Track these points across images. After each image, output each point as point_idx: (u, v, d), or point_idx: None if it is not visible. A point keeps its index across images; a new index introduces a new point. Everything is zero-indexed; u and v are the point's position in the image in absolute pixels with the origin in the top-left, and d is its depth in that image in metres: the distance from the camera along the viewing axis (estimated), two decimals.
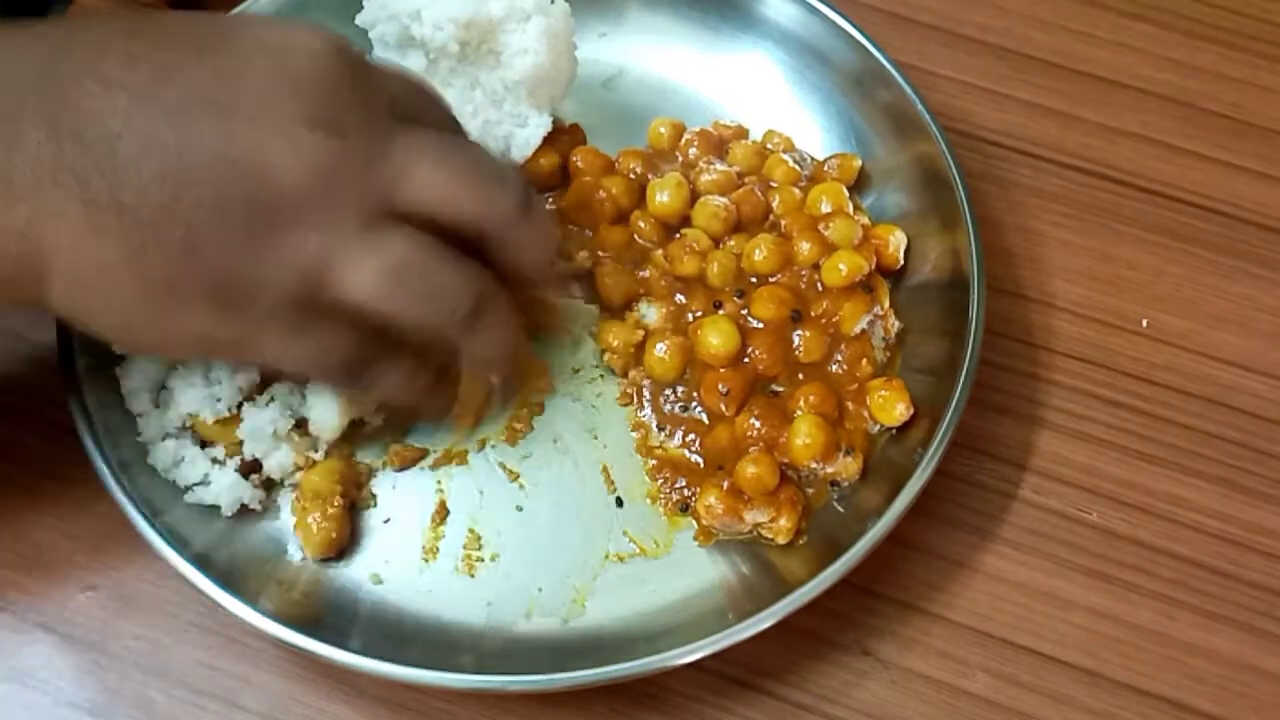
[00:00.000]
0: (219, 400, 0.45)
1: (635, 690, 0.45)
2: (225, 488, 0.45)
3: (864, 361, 0.48)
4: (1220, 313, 0.54)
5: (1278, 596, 0.48)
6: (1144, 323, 0.54)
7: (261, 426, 0.45)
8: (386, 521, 0.47)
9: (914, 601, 0.47)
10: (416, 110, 0.42)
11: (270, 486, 0.47)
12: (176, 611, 0.46)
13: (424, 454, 0.48)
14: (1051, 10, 0.63)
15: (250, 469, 0.46)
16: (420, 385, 0.44)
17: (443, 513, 0.47)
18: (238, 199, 0.37)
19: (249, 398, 0.46)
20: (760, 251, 0.50)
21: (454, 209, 0.40)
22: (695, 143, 0.54)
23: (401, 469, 0.48)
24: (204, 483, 0.45)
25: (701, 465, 0.48)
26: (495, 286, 0.42)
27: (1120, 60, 0.61)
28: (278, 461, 0.46)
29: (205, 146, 0.36)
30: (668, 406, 0.49)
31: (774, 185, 0.53)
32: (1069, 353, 0.53)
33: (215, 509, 0.45)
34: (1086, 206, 0.57)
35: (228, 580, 0.42)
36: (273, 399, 0.46)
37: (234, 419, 0.45)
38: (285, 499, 0.47)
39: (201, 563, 0.42)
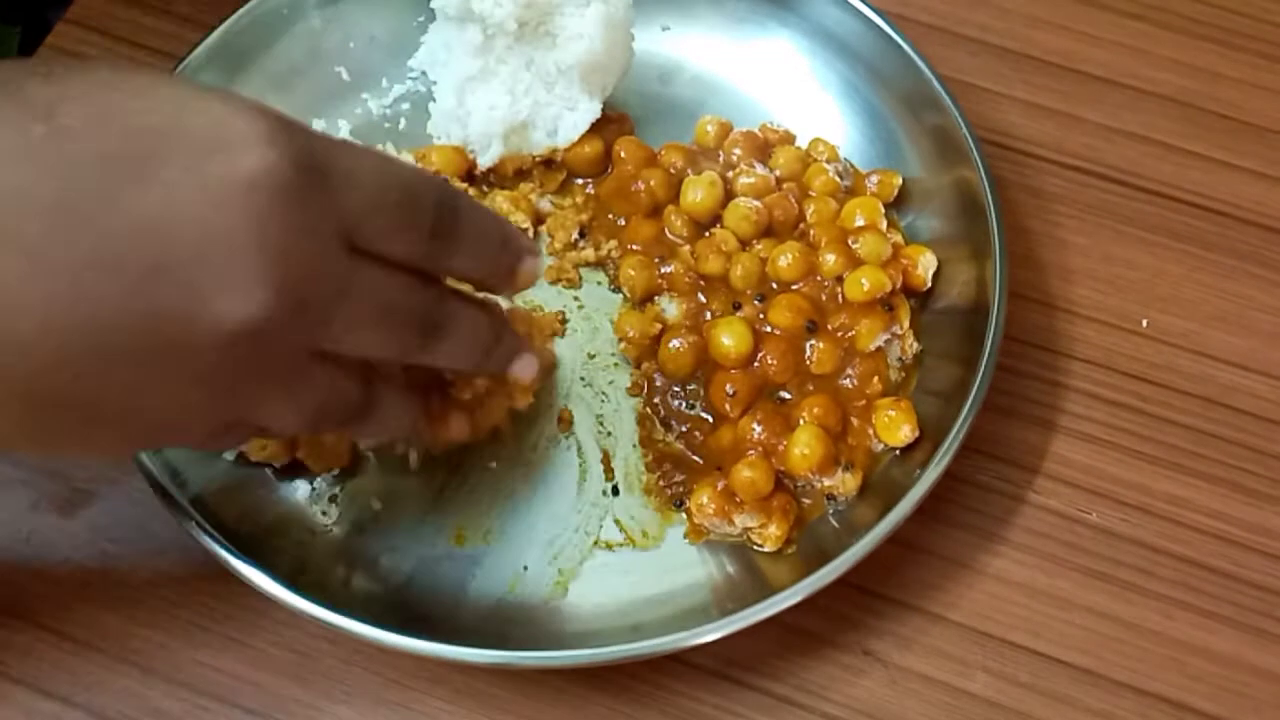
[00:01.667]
0: None
1: (633, 689, 0.45)
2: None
3: (875, 379, 0.48)
4: (1220, 313, 0.54)
5: (1278, 596, 0.48)
6: (1144, 323, 0.54)
7: None
8: (377, 489, 0.47)
9: (914, 601, 0.47)
10: (381, 225, 0.35)
11: None
12: (176, 611, 0.46)
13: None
14: (1051, 10, 0.63)
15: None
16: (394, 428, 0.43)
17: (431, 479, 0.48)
18: (158, 351, 0.32)
19: None
20: (786, 258, 0.50)
21: (382, 357, 0.37)
22: (740, 144, 0.54)
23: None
24: None
25: (700, 463, 0.48)
26: (405, 395, 0.41)
27: (1120, 60, 0.61)
28: None
29: (122, 295, 0.31)
30: (675, 402, 0.49)
31: (811, 194, 0.53)
32: (1068, 353, 0.53)
33: (221, 466, 0.46)
34: (1086, 206, 0.57)
35: (217, 524, 0.43)
36: None
37: None
38: None
39: (195, 505, 0.43)
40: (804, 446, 0.46)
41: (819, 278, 0.50)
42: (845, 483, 0.47)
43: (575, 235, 0.53)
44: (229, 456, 0.46)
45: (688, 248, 0.52)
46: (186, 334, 0.31)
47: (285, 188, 0.32)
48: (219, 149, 0.31)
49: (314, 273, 0.33)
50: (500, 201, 0.53)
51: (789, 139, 0.55)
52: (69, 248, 0.30)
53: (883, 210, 0.52)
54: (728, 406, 0.48)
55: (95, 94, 0.32)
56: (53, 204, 0.30)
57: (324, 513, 0.47)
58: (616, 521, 0.47)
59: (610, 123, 0.55)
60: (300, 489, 0.47)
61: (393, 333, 0.37)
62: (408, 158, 0.54)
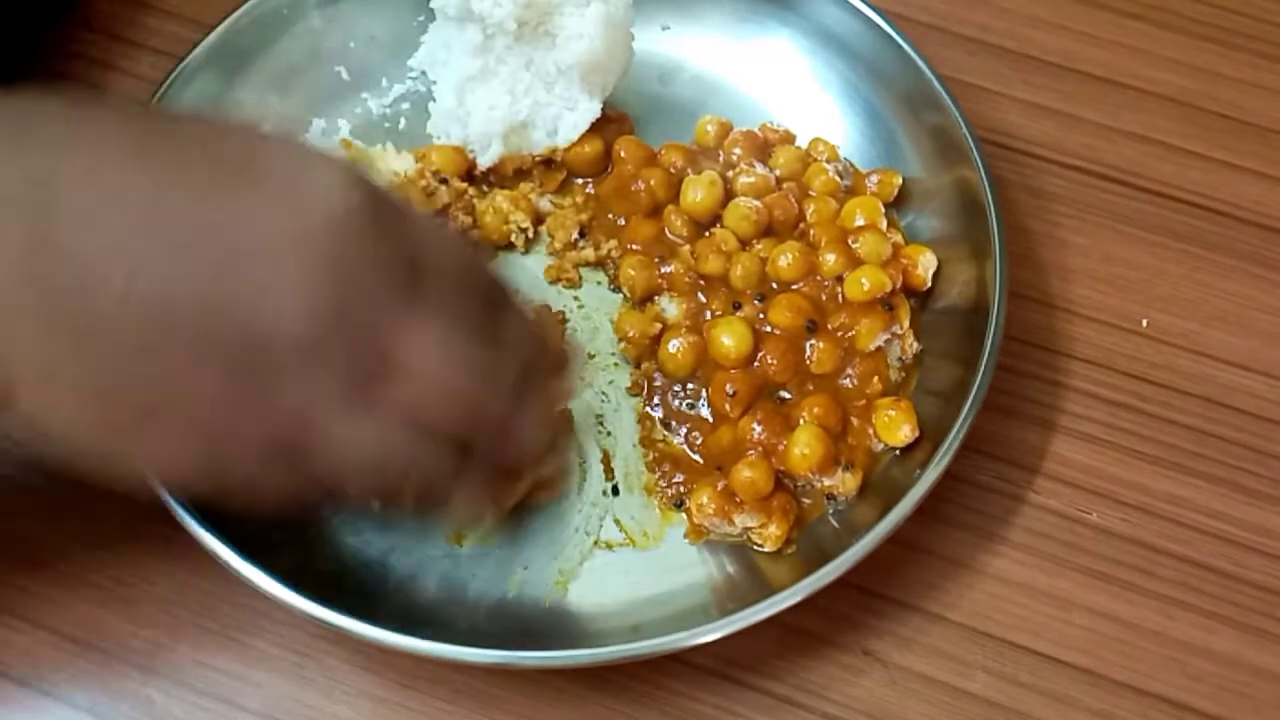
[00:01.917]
0: None
1: (633, 689, 0.45)
2: None
3: (875, 379, 0.48)
4: (1220, 313, 0.54)
5: (1278, 596, 0.48)
6: (1144, 322, 0.54)
7: None
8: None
9: (914, 601, 0.47)
10: (442, 273, 0.37)
11: None
12: (176, 611, 0.46)
13: None
14: (1051, 10, 0.63)
15: None
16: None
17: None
18: (223, 342, 0.33)
19: None
20: (786, 258, 0.50)
21: (442, 413, 0.37)
22: (740, 143, 0.54)
23: None
24: None
25: (700, 463, 0.48)
26: (471, 479, 0.39)
27: (1120, 60, 0.61)
28: None
29: (197, 281, 0.33)
30: (675, 401, 0.49)
31: (811, 194, 0.53)
32: (1068, 353, 0.53)
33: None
34: (1086, 206, 0.57)
35: (216, 523, 0.42)
36: None
37: None
38: None
39: (195, 505, 0.42)
40: (804, 446, 0.46)
41: (819, 278, 0.50)
42: (845, 483, 0.47)
43: (575, 235, 0.53)
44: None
45: (688, 247, 0.52)
46: (250, 328, 0.33)
47: (364, 223, 0.34)
48: (303, 176, 0.35)
49: (378, 298, 0.35)
50: (500, 201, 0.53)
51: (789, 139, 0.55)
52: (154, 235, 0.33)
53: (883, 210, 0.52)
54: (728, 406, 0.48)
55: (188, 122, 0.36)
56: (147, 198, 0.33)
57: (324, 513, 0.47)
58: (616, 521, 0.47)
59: (610, 122, 0.55)
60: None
61: (465, 383, 0.37)
62: (407, 157, 0.54)
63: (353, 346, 0.34)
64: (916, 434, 0.47)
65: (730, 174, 0.53)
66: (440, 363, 0.36)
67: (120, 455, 0.36)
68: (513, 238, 0.53)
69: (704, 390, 0.49)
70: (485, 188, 0.54)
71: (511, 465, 0.41)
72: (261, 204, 0.34)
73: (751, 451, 0.47)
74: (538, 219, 0.54)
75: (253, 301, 0.33)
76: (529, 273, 0.53)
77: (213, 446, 0.35)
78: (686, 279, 0.51)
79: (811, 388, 0.48)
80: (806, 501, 0.47)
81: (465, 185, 0.53)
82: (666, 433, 0.49)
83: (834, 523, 0.47)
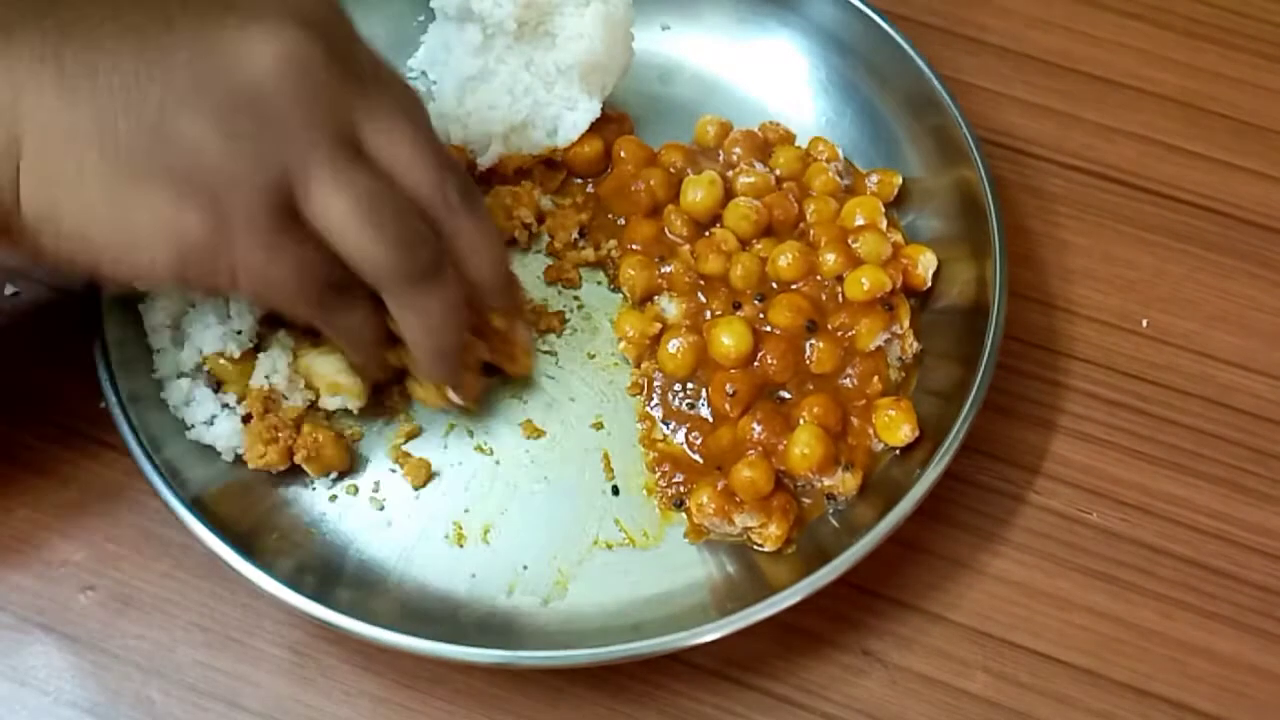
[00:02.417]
0: (239, 332, 0.47)
1: (633, 689, 0.45)
2: (226, 433, 0.46)
3: (875, 379, 0.48)
4: (1220, 313, 0.54)
5: (1278, 596, 0.48)
6: (1144, 323, 0.54)
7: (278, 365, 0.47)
8: (376, 488, 0.48)
9: (914, 601, 0.47)
10: (396, 88, 0.42)
11: None
12: (176, 611, 0.46)
13: (419, 431, 0.49)
14: (1051, 10, 0.63)
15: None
16: (373, 334, 0.44)
17: (430, 479, 0.48)
18: (216, 86, 0.36)
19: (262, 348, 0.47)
20: (785, 258, 0.50)
21: (412, 173, 0.40)
22: (740, 143, 0.54)
23: (407, 440, 0.49)
24: (209, 423, 0.46)
25: (700, 463, 0.48)
26: (449, 264, 0.42)
27: (1120, 60, 0.61)
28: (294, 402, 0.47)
29: (190, 30, 0.36)
30: (675, 401, 0.49)
31: (811, 194, 0.53)
32: (1068, 353, 0.53)
33: (220, 463, 0.46)
34: (1086, 206, 0.57)
35: (216, 522, 0.43)
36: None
37: (249, 360, 0.47)
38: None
39: (195, 505, 0.43)
40: (804, 446, 0.46)
41: (819, 277, 0.50)
42: (845, 482, 0.47)
43: (575, 235, 0.53)
44: (226, 457, 0.46)
45: (688, 247, 0.52)
46: (243, 54, 0.36)
47: (336, 19, 0.39)
48: None
49: (352, 55, 0.39)
50: (504, 197, 0.53)
51: (789, 138, 0.55)
52: (154, 12, 0.37)
53: (883, 210, 0.52)
54: (728, 406, 0.48)
55: None
56: None
57: (324, 513, 0.47)
58: (616, 521, 0.47)
59: (610, 122, 0.55)
60: (300, 489, 0.47)
61: (428, 155, 0.40)
62: None
63: (332, 85, 0.38)
64: (916, 434, 0.47)
65: (730, 174, 0.53)
66: (409, 127, 0.40)
67: (124, 228, 0.37)
68: (515, 234, 0.53)
69: (704, 390, 0.49)
70: (485, 187, 0.54)
71: (481, 285, 0.44)
72: None
73: (751, 451, 0.47)
74: (540, 216, 0.54)
75: (239, 50, 0.36)
76: (529, 272, 0.53)
77: (216, 209, 0.37)
78: (686, 279, 0.51)
79: (811, 388, 0.48)
80: (806, 501, 0.47)
81: None
82: (666, 433, 0.49)
83: (834, 523, 0.47)
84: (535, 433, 0.49)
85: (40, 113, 0.36)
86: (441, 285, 0.41)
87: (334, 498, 0.47)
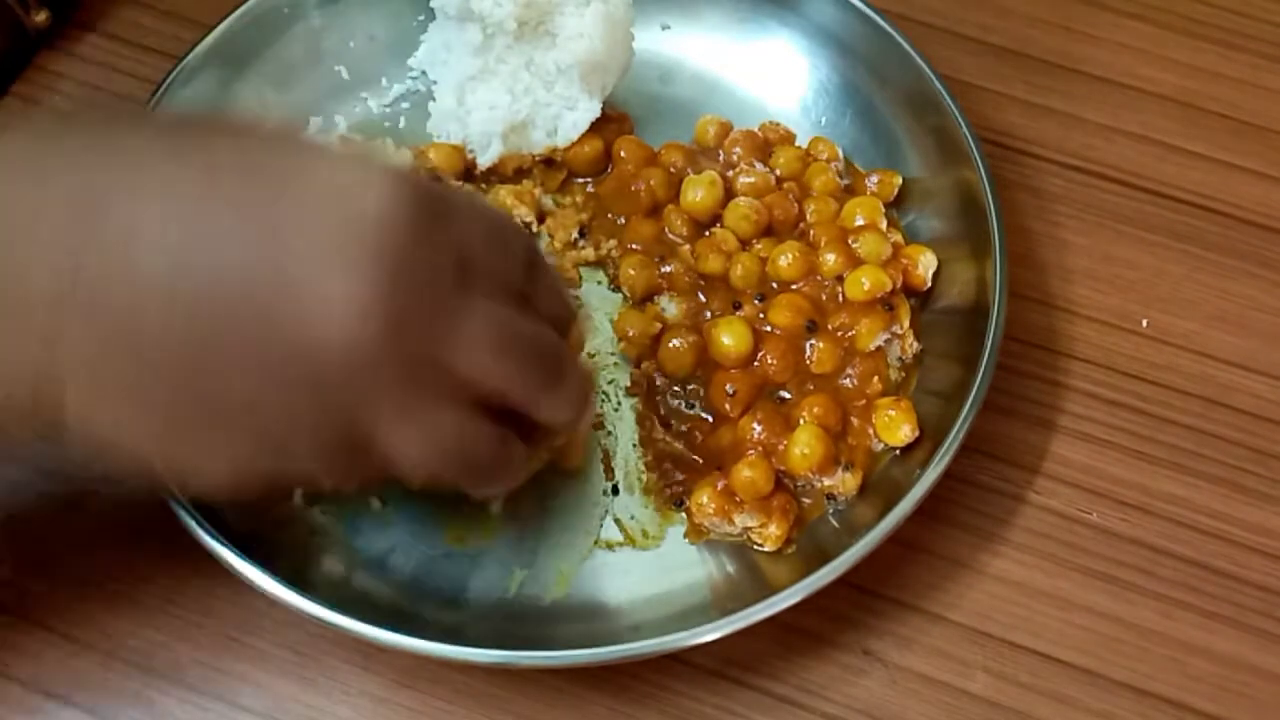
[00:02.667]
0: None
1: (633, 689, 0.45)
2: None
3: (875, 379, 0.48)
4: (1220, 313, 0.54)
5: (1278, 596, 0.48)
6: (1144, 323, 0.54)
7: None
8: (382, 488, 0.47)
9: (914, 601, 0.47)
10: (490, 265, 0.37)
11: None
12: (177, 612, 0.46)
13: None
14: (1051, 10, 0.63)
15: None
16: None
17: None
18: (275, 345, 0.33)
19: None
20: (786, 258, 0.50)
21: (503, 394, 0.37)
22: (740, 143, 0.54)
23: None
24: None
25: (700, 463, 0.48)
26: (520, 450, 0.40)
27: (1120, 60, 0.61)
28: None
29: (246, 282, 0.33)
30: (675, 401, 0.49)
31: (811, 193, 0.53)
32: (1068, 353, 0.53)
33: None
34: (1086, 206, 0.57)
35: (216, 522, 0.42)
36: None
37: None
38: None
39: (195, 505, 0.42)
40: (804, 446, 0.46)
41: (819, 277, 0.50)
42: (845, 482, 0.47)
43: (575, 235, 0.53)
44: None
45: (688, 247, 0.52)
46: (300, 336, 0.33)
47: (409, 216, 0.34)
48: (348, 179, 0.34)
49: (430, 296, 0.34)
50: (504, 196, 0.53)
51: (789, 138, 0.55)
52: (199, 239, 0.33)
53: (883, 210, 0.52)
54: (728, 406, 0.48)
55: (220, 126, 0.37)
56: (189, 205, 0.33)
57: (324, 512, 0.47)
58: (616, 521, 0.47)
59: (610, 122, 0.55)
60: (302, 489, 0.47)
61: (519, 364, 0.37)
62: (407, 156, 0.54)
63: (405, 352, 0.34)
64: (916, 434, 0.47)
65: (730, 174, 0.53)
66: (493, 351, 0.36)
67: (170, 464, 0.36)
68: None
69: (704, 390, 0.49)
70: (484, 186, 0.54)
71: (549, 431, 0.42)
72: (305, 207, 0.34)
73: (751, 451, 0.47)
74: (541, 215, 0.54)
75: (301, 309, 0.33)
76: None
77: (266, 454, 0.35)
78: (686, 279, 0.51)
79: (811, 388, 0.48)
80: (806, 501, 0.47)
81: (461, 183, 0.53)
82: (666, 433, 0.49)
83: (834, 523, 0.47)
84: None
85: (81, 368, 0.33)
86: (512, 473, 0.40)
87: (335, 498, 0.47)
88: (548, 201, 0.54)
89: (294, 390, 0.34)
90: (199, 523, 0.42)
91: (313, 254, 0.33)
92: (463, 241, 0.36)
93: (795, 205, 0.52)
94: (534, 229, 0.53)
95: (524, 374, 0.37)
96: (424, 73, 0.57)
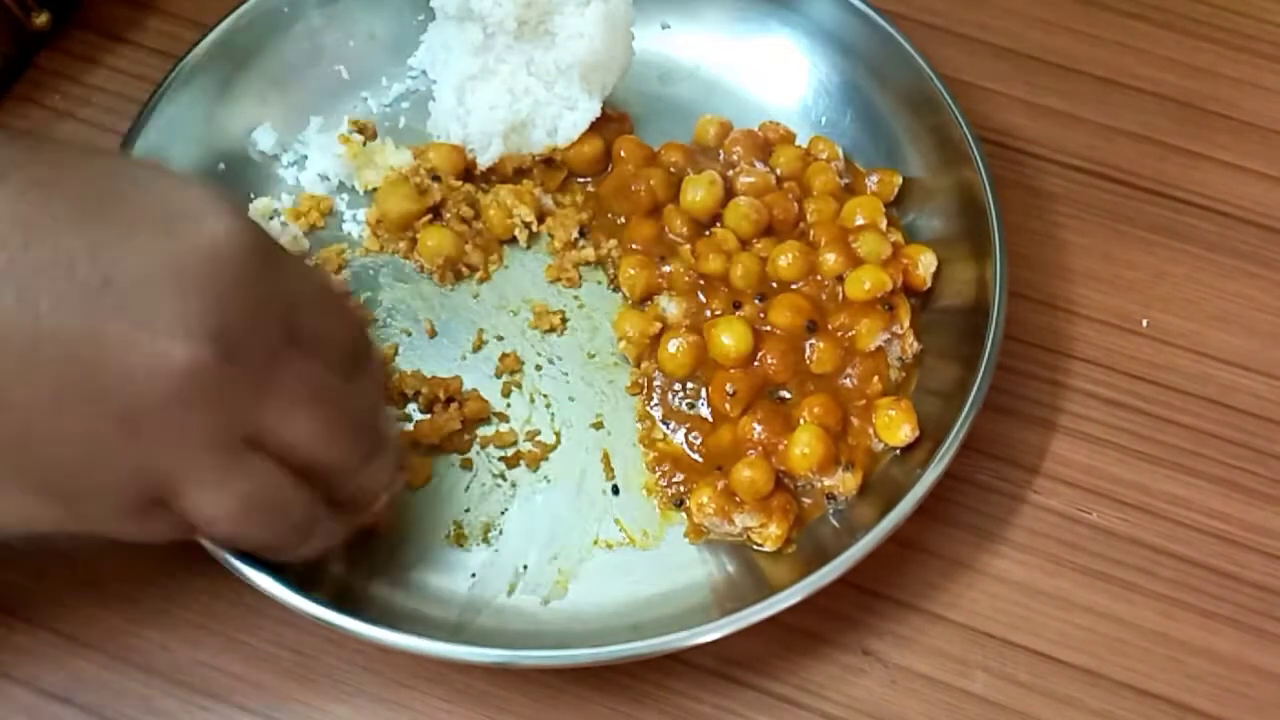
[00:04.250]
0: None
1: (633, 689, 0.45)
2: None
3: (876, 378, 0.48)
4: (1220, 313, 0.54)
5: (1278, 596, 0.48)
6: (1144, 322, 0.54)
7: None
8: None
9: (914, 601, 0.47)
10: (318, 328, 0.36)
11: None
12: (177, 612, 0.46)
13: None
14: (1051, 10, 0.63)
15: None
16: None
17: (430, 479, 0.48)
18: (88, 399, 0.32)
19: None
20: (786, 258, 0.50)
21: (313, 456, 0.36)
22: (740, 142, 0.54)
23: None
24: None
25: (700, 463, 0.48)
26: (327, 520, 0.39)
27: (1120, 60, 0.61)
28: None
29: (63, 331, 0.31)
30: (675, 401, 0.49)
31: (812, 193, 0.53)
32: (1068, 352, 0.53)
33: None
34: (1086, 206, 0.57)
35: None
36: None
37: None
38: None
39: None
40: (804, 446, 0.46)
41: (819, 277, 0.50)
42: (845, 482, 0.47)
43: (575, 234, 0.53)
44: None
45: (688, 247, 0.52)
46: (121, 359, 0.31)
47: (244, 251, 0.33)
48: (185, 205, 0.33)
49: (257, 339, 0.33)
50: (504, 195, 0.53)
51: (789, 138, 0.55)
52: (19, 259, 0.31)
53: (883, 209, 0.52)
54: (728, 406, 0.48)
55: (55, 147, 0.35)
56: (11, 223, 0.31)
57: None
58: (616, 521, 0.47)
59: (610, 122, 0.55)
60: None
61: (335, 430, 0.36)
62: (406, 155, 0.54)
63: (225, 392, 0.33)
64: (916, 434, 0.47)
65: (730, 173, 0.53)
66: (310, 412, 0.35)
67: None
68: (516, 232, 0.53)
69: (704, 390, 0.49)
70: (484, 185, 0.54)
71: (358, 500, 0.40)
72: (138, 231, 0.32)
73: (751, 451, 0.47)
74: (541, 214, 0.54)
75: (115, 359, 0.31)
76: (529, 271, 0.53)
77: (72, 504, 0.34)
78: (686, 279, 0.51)
79: (811, 387, 0.48)
80: (806, 501, 0.47)
81: (460, 183, 0.53)
82: (666, 433, 0.49)
83: (834, 523, 0.47)
84: (535, 432, 0.49)
85: None
86: (323, 534, 0.39)
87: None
88: (548, 201, 0.54)
89: (103, 426, 0.32)
90: None
91: (141, 283, 0.31)
92: (294, 297, 0.35)
93: (795, 205, 0.52)
94: (534, 229, 0.53)
95: (340, 441, 0.37)
96: (424, 72, 0.57)
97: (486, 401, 0.49)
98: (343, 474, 0.38)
